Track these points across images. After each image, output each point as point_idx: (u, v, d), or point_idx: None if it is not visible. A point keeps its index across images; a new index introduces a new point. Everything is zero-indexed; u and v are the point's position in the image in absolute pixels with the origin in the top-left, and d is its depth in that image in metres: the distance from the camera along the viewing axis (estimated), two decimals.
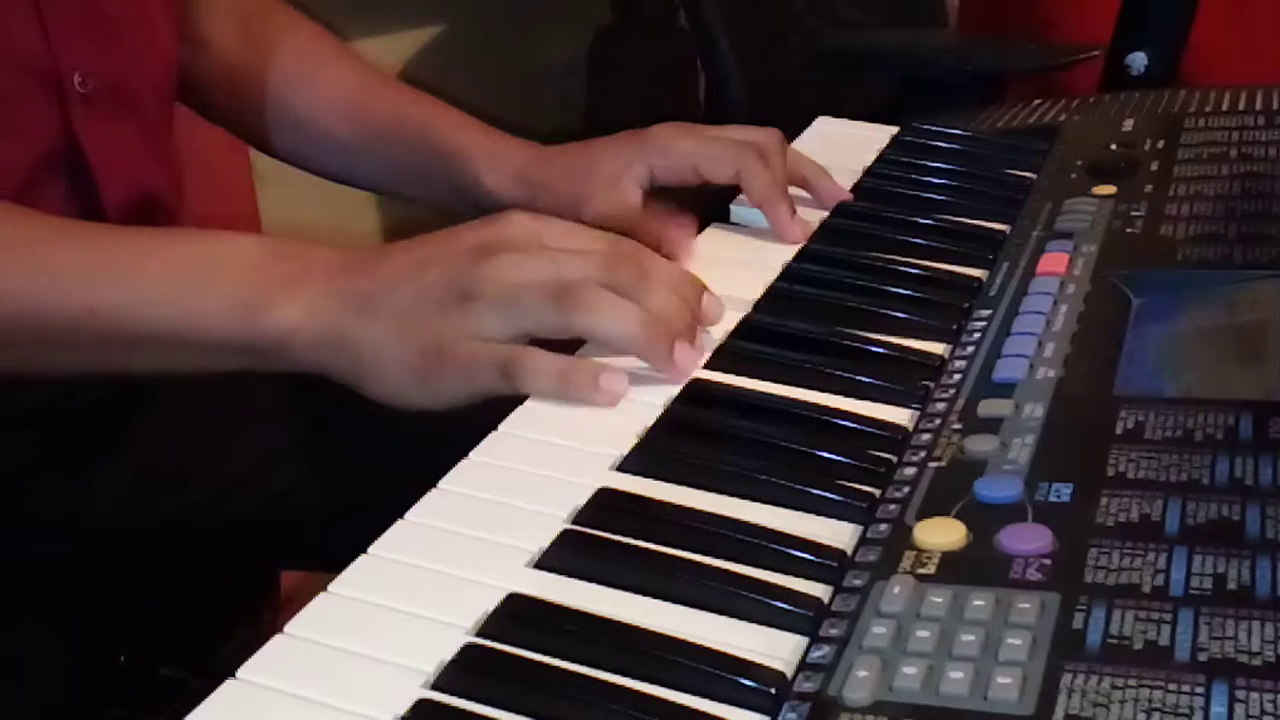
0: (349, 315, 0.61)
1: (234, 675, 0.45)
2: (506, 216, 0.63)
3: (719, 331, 0.68)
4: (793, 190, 0.81)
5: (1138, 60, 1.39)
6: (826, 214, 0.83)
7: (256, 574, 0.95)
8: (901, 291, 0.72)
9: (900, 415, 0.60)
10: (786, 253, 0.77)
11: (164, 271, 0.64)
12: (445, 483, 0.55)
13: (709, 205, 0.83)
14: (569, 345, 0.63)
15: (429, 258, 0.62)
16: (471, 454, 0.57)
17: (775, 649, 0.46)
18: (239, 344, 0.62)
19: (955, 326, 0.68)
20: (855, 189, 0.87)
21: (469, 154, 0.85)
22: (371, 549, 0.51)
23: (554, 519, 0.53)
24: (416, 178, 0.88)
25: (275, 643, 0.46)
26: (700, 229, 0.80)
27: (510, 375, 0.59)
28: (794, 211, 0.79)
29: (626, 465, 0.57)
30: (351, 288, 0.62)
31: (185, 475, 0.83)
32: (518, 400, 0.60)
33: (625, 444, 0.58)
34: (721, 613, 0.48)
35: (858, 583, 0.48)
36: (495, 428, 0.59)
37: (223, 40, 0.90)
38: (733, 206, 0.82)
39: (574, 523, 0.53)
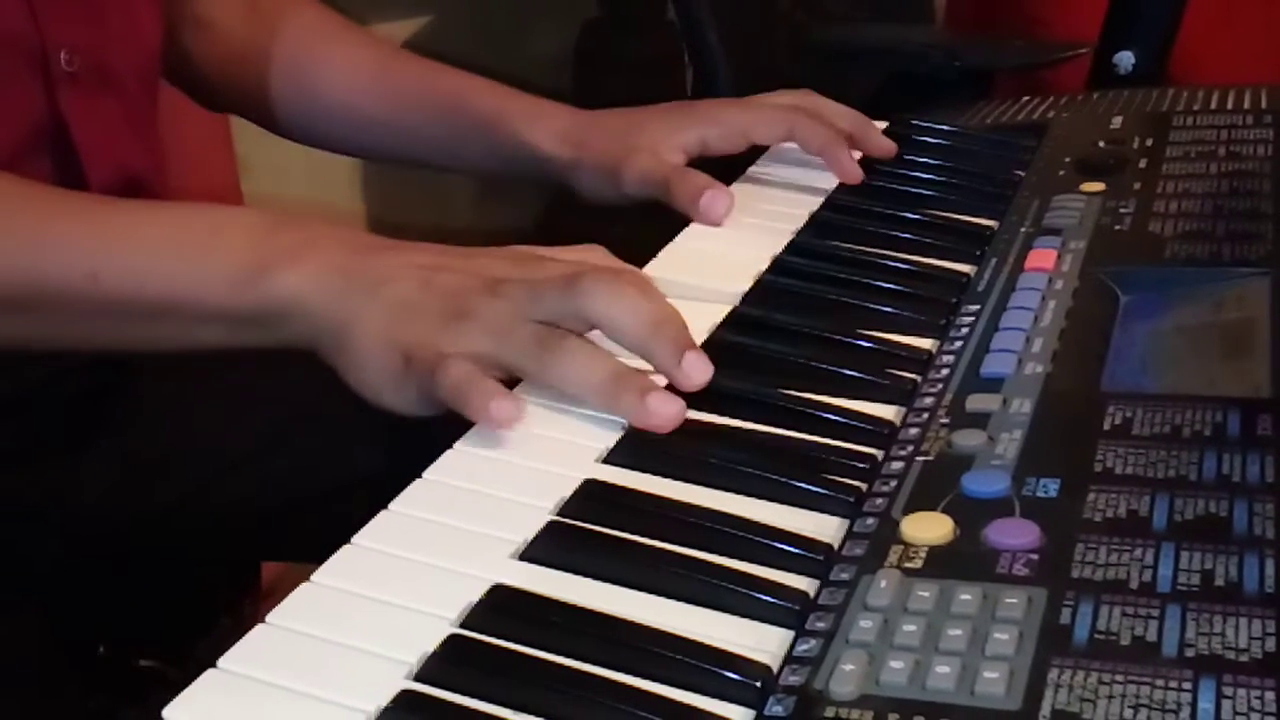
0: (350, 294, 0.59)
1: (214, 665, 0.44)
2: (538, 258, 0.62)
3: (707, 325, 0.67)
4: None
5: (1125, 59, 1.39)
6: (817, 206, 0.83)
7: (238, 565, 0.95)
8: (889, 286, 0.72)
9: (887, 410, 0.60)
10: (772, 247, 0.77)
11: (166, 237, 0.63)
12: (430, 473, 0.55)
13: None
14: None
15: (444, 265, 0.60)
16: (457, 444, 0.57)
17: (761, 642, 0.46)
18: (239, 312, 0.61)
19: (943, 322, 0.68)
20: (843, 183, 0.87)
21: (508, 115, 0.85)
22: (355, 539, 0.51)
23: (539, 510, 0.52)
24: (450, 146, 0.88)
25: (257, 632, 0.46)
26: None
27: (456, 397, 0.57)
28: (851, 154, 0.83)
29: (613, 457, 0.56)
30: (357, 267, 0.60)
31: (168, 466, 0.83)
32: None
33: (612, 436, 0.57)
34: (707, 606, 0.47)
35: (844, 576, 0.48)
36: None
37: (228, 20, 0.89)
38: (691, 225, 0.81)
39: (559, 514, 0.52)
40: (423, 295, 0.59)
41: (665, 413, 0.57)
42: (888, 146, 0.88)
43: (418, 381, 0.58)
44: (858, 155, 0.86)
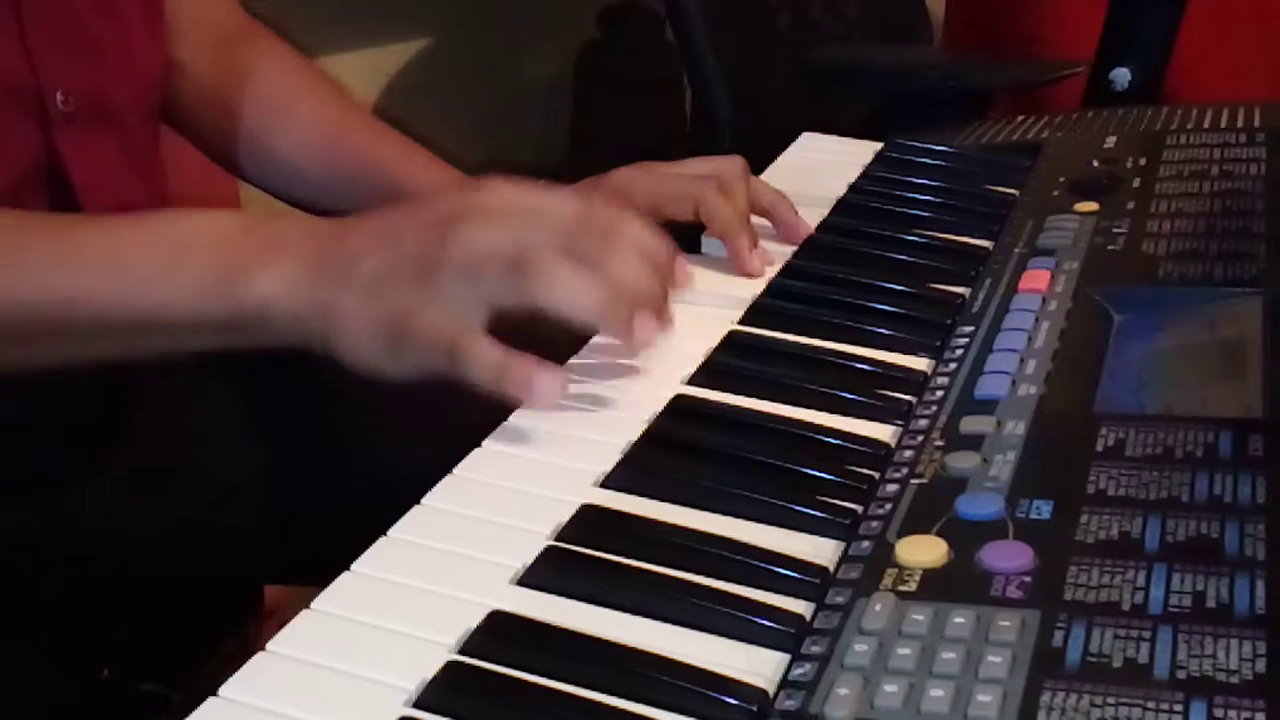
0: (324, 284, 0.60)
1: (215, 693, 0.45)
2: (484, 183, 0.63)
3: (703, 347, 0.68)
4: (757, 220, 0.81)
5: (1121, 77, 1.39)
6: (811, 229, 0.83)
7: (239, 588, 0.95)
8: (884, 308, 0.72)
9: (882, 431, 0.60)
10: (757, 283, 0.77)
11: (139, 254, 0.63)
12: (428, 499, 0.55)
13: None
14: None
15: (401, 225, 0.61)
16: (455, 470, 0.57)
17: (757, 666, 0.46)
18: (219, 320, 0.62)
19: (938, 343, 0.68)
20: (839, 205, 0.87)
21: None
22: (354, 566, 0.51)
23: (537, 535, 0.53)
24: None
25: (257, 660, 0.46)
26: None
27: (454, 360, 0.59)
28: (755, 243, 0.78)
29: (610, 481, 0.57)
30: (326, 256, 0.61)
31: (169, 490, 0.83)
32: (501, 405, 0.60)
33: (609, 460, 0.58)
34: (704, 629, 0.48)
35: (839, 600, 0.48)
36: (480, 444, 0.59)
37: (198, 64, 0.89)
38: (704, 238, 0.82)
39: (557, 539, 0.53)
40: (390, 263, 0.60)
41: (649, 337, 0.61)
42: (802, 231, 0.82)
43: (420, 356, 0.59)
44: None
